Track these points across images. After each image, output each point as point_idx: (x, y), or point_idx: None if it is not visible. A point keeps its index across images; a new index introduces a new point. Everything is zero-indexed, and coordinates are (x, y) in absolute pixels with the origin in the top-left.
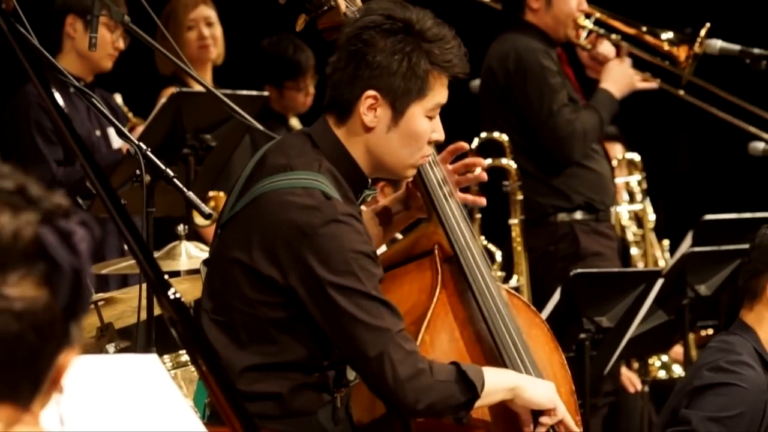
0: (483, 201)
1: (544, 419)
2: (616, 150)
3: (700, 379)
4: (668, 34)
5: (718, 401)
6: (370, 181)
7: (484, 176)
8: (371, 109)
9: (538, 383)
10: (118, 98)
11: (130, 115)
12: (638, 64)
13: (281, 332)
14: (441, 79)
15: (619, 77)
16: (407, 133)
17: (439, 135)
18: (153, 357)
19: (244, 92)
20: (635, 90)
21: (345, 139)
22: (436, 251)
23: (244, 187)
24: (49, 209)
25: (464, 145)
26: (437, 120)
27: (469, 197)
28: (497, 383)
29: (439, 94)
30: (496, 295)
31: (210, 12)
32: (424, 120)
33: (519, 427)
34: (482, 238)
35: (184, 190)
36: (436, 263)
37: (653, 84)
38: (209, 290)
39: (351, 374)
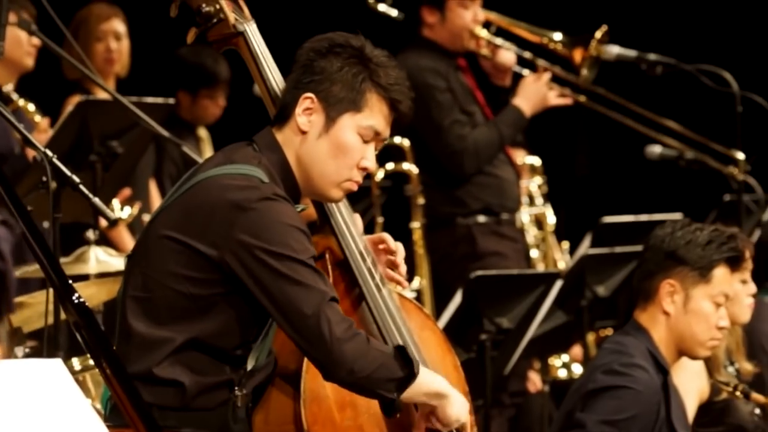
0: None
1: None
2: (519, 155)
3: (594, 382)
4: (559, 36)
5: (611, 404)
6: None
7: None
8: (307, 112)
9: (460, 400)
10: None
11: (37, 118)
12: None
13: (201, 310)
14: (380, 104)
15: (532, 95)
16: (336, 143)
17: (370, 163)
18: (57, 362)
19: (150, 100)
20: (550, 106)
21: (283, 143)
22: (327, 256)
23: (181, 184)
24: None
25: None
26: (371, 148)
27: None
28: (430, 382)
29: (376, 117)
30: (387, 298)
31: (120, 27)
32: (355, 136)
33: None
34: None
35: (90, 196)
36: (327, 267)
37: (568, 100)
38: (134, 273)
39: (250, 364)
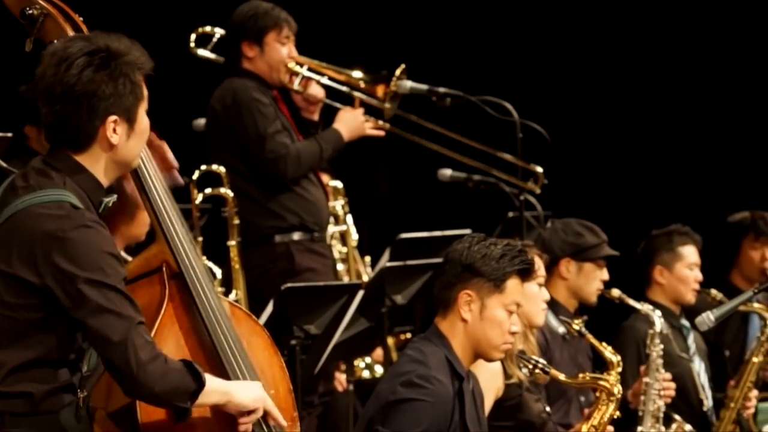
0: (182, 182)
1: (245, 419)
2: (325, 179)
3: (394, 393)
4: (359, 74)
5: (409, 417)
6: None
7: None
8: (114, 131)
9: (246, 387)
10: None
11: None
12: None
13: (36, 331)
14: (142, 78)
15: (350, 123)
16: (140, 132)
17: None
18: None
19: None
20: (365, 135)
21: (87, 162)
22: (164, 268)
23: None
24: None
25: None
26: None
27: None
28: (213, 387)
29: (145, 89)
30: (217, 308)
31: None
32: (146, 115)
33: (233, 424)
34: (204, 258)
35: None
36: (164, 279)
37: (381, 132)
38: None
39: (84, 367)
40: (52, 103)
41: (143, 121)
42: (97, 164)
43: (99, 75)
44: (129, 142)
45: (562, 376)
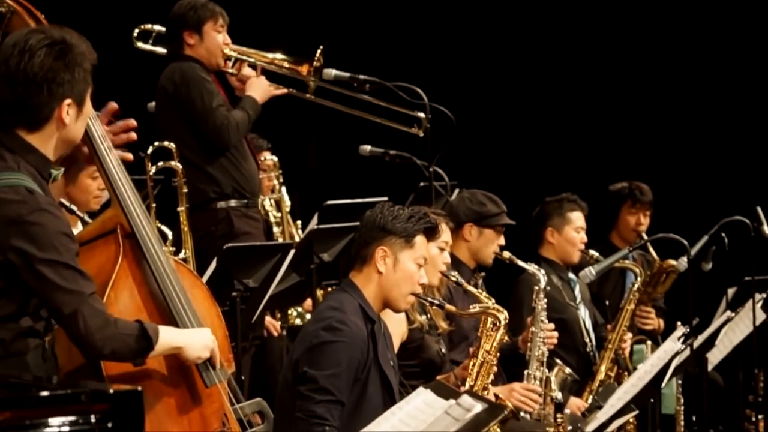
0: (130, 157)
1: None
2: (264, 155)
3: (317, 337)
4: (281, 56)
5: (331, 359)
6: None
7: (134, 136)
8: (67, 113)
9: (196, 336)
10: None
11: None
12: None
13: (2, 294)
14: (90, 68)
15: (258, 87)
16: (85, 114)
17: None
18: None
19: None
20: (272, 96)
21: (39, 142)
22: (118, 229)
23: None
24: None
25: (130, 122)
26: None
27: (121, 153)
28: (168, 341)
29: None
30: (165, 263)
31: None
32: (90, 100)
33: (184, 367)
34: (157, 222)
35: None
36: (118, 238)
37: (284, 90)
38: None
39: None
40: (14, 86)
41: (89, 105)
42: (47, 142)
43: (57, 63)
44: (77, 123)
45: (454, 309)
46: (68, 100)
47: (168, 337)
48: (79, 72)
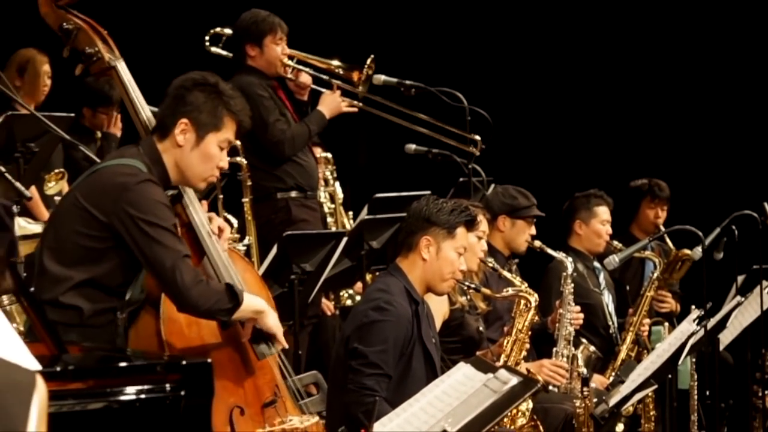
0: None
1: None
2: (318, 151)
3: (366, 316)
4: (337, 62)
5: (379, 336)
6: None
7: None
8: (183, 132)
9: (274, 315)
10: None
11: None
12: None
13: (94, 258)
14: (231, 123)
15: (330, 104)
16: (204, 154)
17: (224, 163)
18: None
19: (59, 114)
20: (342, 112)
21: (163, 151)
22: (180, 221)
23: (89, 171)
24: None
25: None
26: (225, 153)
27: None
28: (252, 304)
29: (229, 132)
30: (220, 251)
31: (49, 68)
32: (217, 148)
33: (239, 342)
34: (224, 211)
35: (13, 181)
36: (180, 229)
37: (355, 109)
38: (50, 229)
39: (127, 295)
40: (165, 99)
41: (211, 147)
42: (168, 156)
43: (197, 90)
44: (192, 153)
45: (489, 292)
46: (185, 120)
47: (251, 300)
48: (207, 105)
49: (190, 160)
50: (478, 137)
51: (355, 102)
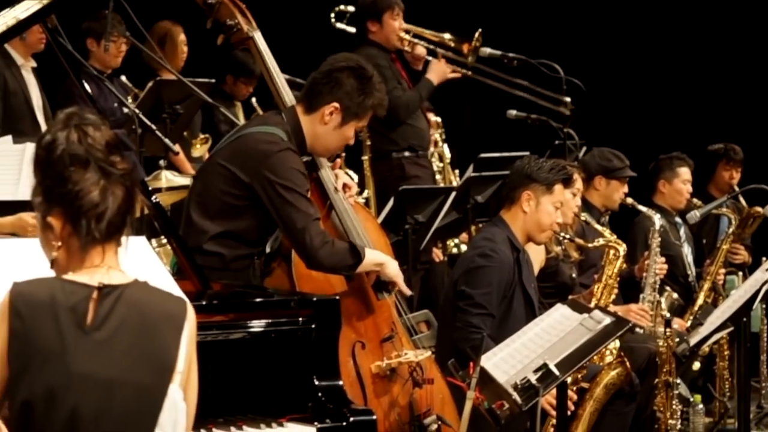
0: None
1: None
2: (430, 116)
3: (473, 262)
4: (449, 36)
5: (484, 279)
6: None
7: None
8: (331, 113)
9: (394, 264)
10: (124, 78)
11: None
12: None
13: (233, 213)
14: (371, 113)
15: (437, 70)
16: (342, 136)
17: (351, 141)
18: (142, 239)
19: (201, 79)
20: (448, 78)
21: (305, 123)
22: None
23: (233, 134)
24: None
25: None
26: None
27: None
28: (373, 258)
29: (366, 120)
30: (344, 202)
31: (185, 37)
32: (353, 132)
33: (362, 284)
34: (346, 168)
35: (162, 137)
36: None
37: (458, 75)
38: (197, 184)
39: (267, 248)
40: (323, 70)
41: (349, 132)
42: (309, 128)
43: (353, 76)
44: (333, 132)
45: (582, 242)
46: (336, 104)
47: (372, 255)
48: (361, 95)
49: (330, 138)
50: (568, 99)
51: (459, 69)
